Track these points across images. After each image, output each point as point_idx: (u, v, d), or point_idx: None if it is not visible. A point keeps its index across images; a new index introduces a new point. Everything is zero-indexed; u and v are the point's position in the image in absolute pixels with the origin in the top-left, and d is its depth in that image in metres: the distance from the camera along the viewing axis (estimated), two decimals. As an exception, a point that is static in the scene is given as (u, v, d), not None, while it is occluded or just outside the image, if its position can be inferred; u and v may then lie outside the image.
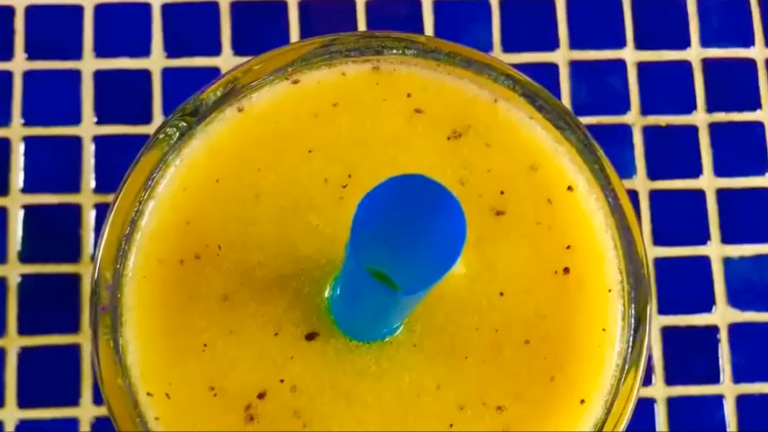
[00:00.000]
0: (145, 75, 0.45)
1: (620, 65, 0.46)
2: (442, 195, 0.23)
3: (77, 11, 0.46)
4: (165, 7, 0.46)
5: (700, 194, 0.45)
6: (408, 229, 0.24)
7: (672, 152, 0.46)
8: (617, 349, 0.30)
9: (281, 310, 0.29)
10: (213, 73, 0.45)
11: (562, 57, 0.46)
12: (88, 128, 0.45)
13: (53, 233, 0.43)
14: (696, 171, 0.46)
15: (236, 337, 0.29)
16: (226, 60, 0.45)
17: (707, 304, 0.45)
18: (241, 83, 0.30)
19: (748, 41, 0.47)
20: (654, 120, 0.46)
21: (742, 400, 0.43)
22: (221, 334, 0.29)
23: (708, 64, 0.47)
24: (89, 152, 0.44)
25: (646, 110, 0.46)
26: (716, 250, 0.45)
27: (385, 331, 0.29)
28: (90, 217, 0.44)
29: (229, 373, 0.29)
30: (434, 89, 0.31)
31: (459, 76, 0.31)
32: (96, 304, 0.29)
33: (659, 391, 0.44)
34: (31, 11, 0.46)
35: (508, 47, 0.46)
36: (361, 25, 0.46)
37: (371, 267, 0.26)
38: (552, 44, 0.46)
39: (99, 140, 0.45)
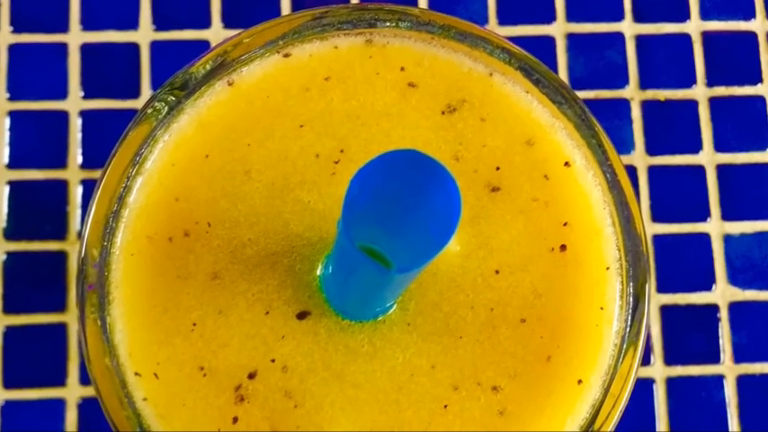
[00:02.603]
0: (133, 48, 0.45)
1: (619, 38, 0.46)
2: (436, 171, 0.22)
3: (64, -17, 0.45)
4: (153, -21, 0.45)
5: (699, 170, 0.45)
6: (402, 206, 0.24)
7: (671, 127, 0.45)
8: (615, 328, 0.29)
9: (272, 289, 0.29)
10: (202, 46, 0.45)
11: (559, 30, 0.46)
12: (75, 102, 0.44)
13: (39, 210, 0.43)
14: (696, 146, 0.46)
15: (225, 316, 0.29)
16: (216, 33, 0.45)
17: (707, 282, 0.45)
18: (231, 56, 0.30)
19: (749, 14, 0.47)
20: (653, 94, 0.46)
21: (742, 381, 0.43)
22: (211, 313, 0.29)
23: (708, 37, 0.47)
24: (76, 127, 0.44)
25: (645, 84, 0.46)
26: (716, 227, 0.45)
27: (378, 310, 0.29)
28: (77, 193, 0.43)
29: (219, 352, 0.29)
30: (428, 63, 0.31)
31: (453, 50, 0.31)
32: (83, 282, 0.29)
33: (658, 371, 0.43)
34: (16, -17, 0.45)
35: (504, 19, 0.46)
36: (354, -2, 0.46)
37: (364, 245, 0.25)
38: (549, 17, 0.46)
39: (86, 115, 0.44)
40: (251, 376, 0.28)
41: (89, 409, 0.42)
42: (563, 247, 0.30)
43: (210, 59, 0.30)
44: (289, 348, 0.29)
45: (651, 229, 0.45)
